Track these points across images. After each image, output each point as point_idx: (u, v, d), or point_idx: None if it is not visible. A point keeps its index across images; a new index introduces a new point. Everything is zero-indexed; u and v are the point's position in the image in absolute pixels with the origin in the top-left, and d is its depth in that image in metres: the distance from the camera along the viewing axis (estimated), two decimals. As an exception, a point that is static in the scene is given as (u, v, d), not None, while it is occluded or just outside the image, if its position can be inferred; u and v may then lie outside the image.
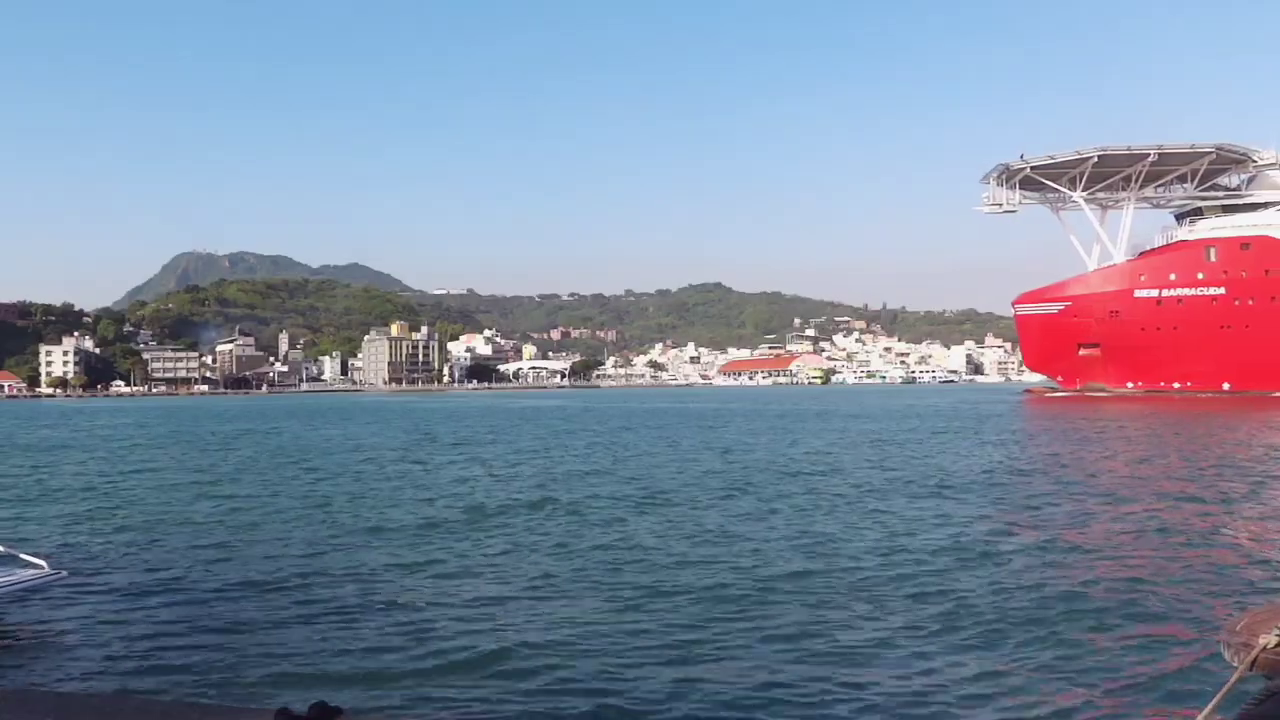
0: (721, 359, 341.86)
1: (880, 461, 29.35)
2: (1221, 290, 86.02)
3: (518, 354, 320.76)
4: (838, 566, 13.01)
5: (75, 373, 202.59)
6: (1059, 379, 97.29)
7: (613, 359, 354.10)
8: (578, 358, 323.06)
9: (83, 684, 8.15)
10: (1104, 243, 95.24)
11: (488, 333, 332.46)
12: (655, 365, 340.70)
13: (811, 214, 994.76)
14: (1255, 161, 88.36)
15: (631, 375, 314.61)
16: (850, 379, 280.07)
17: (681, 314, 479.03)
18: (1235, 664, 2.63)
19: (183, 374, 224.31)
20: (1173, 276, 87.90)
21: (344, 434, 49.53)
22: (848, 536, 15.46)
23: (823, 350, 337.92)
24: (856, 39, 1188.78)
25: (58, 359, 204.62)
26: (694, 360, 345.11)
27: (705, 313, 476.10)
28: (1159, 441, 36.04)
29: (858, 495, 20.85)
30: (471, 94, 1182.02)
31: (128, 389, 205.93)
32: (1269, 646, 2.70)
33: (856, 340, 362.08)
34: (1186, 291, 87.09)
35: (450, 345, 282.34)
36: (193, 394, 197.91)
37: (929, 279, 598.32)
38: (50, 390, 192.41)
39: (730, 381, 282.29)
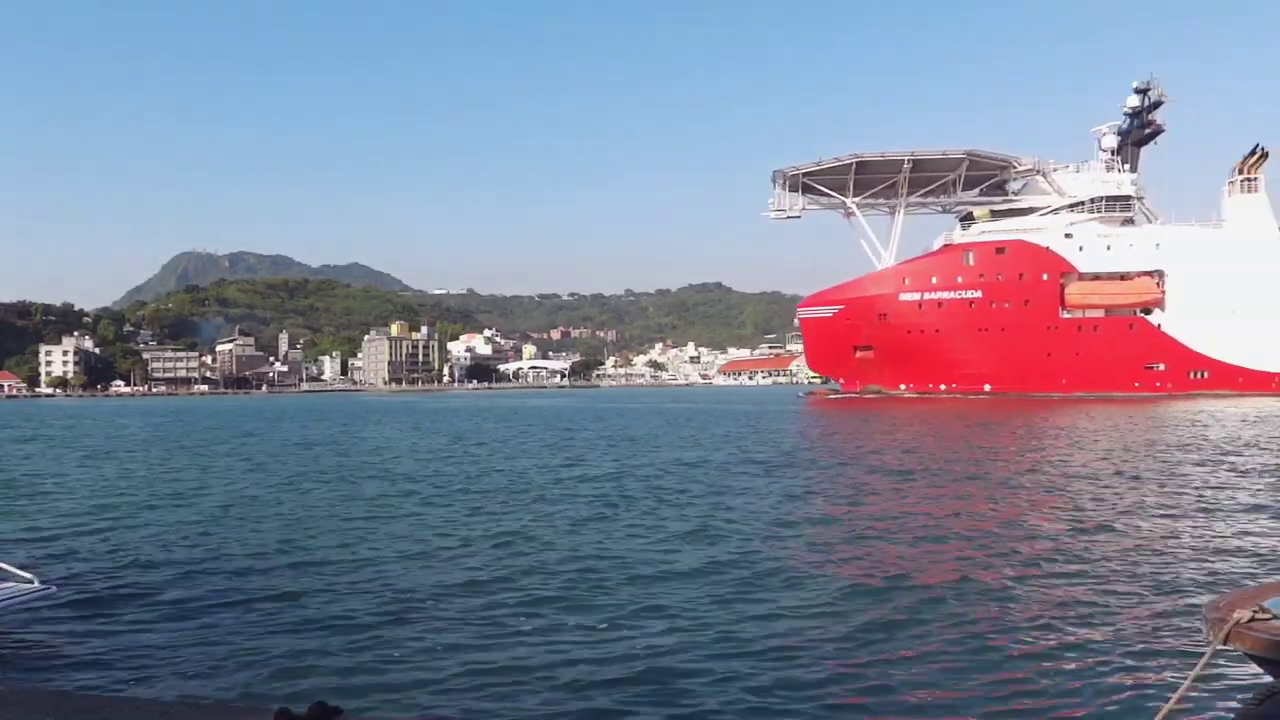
0: (721, 359, 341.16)
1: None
2: (979, 294, 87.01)
3: (518, 354, 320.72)
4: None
5: (75, 373, 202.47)
6: (840, 381, 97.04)
7: (613, 359, 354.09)
8: (578, 357, 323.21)
9: (80, 687, 8.11)
10: (877, 247, 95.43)
11: (488, 333, 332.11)
12: (655, 365, 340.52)
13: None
14: (1015, 168, 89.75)
15: (631, 375, 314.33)
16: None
17: (681, 314, 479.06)
18: (1211, 638, 2.76)
19: (183, 374, 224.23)
20: (934, 280, 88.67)
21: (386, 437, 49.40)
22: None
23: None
24: (855, 38, 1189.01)
25: (57, 359, 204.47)
26: (694, 360, 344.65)
27: (705, 313, 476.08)
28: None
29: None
30: (472, 94, 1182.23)
31: (128, 389, 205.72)
32: (1241, 621, 2.84)
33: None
34: (946, 295, 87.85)
35: (450, 345, 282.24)
36: (193, 394, 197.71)
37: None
38: (50, 390, 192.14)
39: (730, 381, 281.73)
